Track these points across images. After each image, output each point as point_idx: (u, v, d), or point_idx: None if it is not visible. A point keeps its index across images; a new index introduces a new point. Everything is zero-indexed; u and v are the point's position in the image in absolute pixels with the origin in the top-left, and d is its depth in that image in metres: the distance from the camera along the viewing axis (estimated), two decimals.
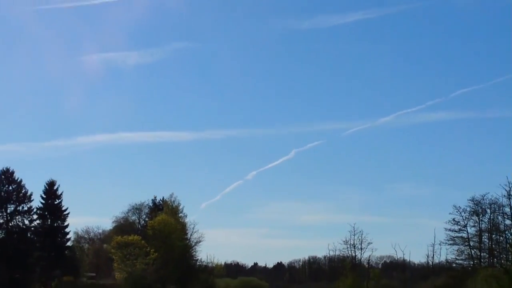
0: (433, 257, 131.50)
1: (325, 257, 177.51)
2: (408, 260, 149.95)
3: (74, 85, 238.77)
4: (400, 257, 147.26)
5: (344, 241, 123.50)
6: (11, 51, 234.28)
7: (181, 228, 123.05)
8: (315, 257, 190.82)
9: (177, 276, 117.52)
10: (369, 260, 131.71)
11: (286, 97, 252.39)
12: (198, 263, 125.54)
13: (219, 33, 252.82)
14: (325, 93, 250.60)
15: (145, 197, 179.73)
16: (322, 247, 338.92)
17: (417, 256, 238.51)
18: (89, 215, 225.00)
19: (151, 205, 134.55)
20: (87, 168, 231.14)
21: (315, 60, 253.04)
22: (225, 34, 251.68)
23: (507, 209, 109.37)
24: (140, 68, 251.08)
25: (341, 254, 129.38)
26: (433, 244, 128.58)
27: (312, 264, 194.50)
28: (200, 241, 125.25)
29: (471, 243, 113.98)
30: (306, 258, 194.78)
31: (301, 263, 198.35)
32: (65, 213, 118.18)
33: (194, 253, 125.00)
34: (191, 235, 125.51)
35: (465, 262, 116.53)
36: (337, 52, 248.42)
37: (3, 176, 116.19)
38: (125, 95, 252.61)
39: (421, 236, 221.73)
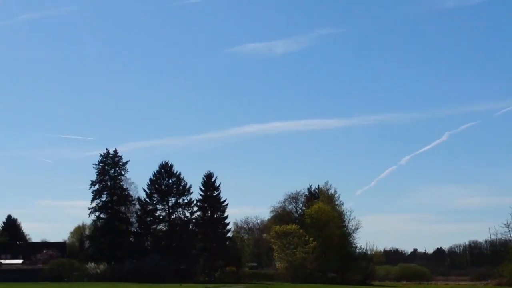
0: None
1: (486, 241, 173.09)
2: None
3: (223, 77, 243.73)
4: None
5: (505, 224, 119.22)
6: (160, 46, 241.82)
7: (338, 215, 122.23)
8: (476, 241, 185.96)
9: (337, 264, 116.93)
10: None
11: (435, 79, 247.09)
12: (357, 251, 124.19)
13: (363, 17, 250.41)
14: (475, 72, 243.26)
15: (300, 186, 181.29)
16: (482, 231, 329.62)
17: None
18: (245, 205, 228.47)
19: (307, 193, 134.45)
20: (240, 159, 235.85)
21: (462, 39, 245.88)
22: (369, 17, 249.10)
23: None
24: (287, 56, 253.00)
25: (503, 238, 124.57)
26: None
27: (473, 249, 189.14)
28: (357, 228, 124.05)
29: None
30: (467, 242, 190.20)
31: (461, 248, 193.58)
32: (224, 204, 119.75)
33: (352, 240, 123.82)
34: (348, 222, 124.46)
35: None
36: (483, 29, 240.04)
37: (162, 170, 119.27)
38: (274, 84, 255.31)
39: None
